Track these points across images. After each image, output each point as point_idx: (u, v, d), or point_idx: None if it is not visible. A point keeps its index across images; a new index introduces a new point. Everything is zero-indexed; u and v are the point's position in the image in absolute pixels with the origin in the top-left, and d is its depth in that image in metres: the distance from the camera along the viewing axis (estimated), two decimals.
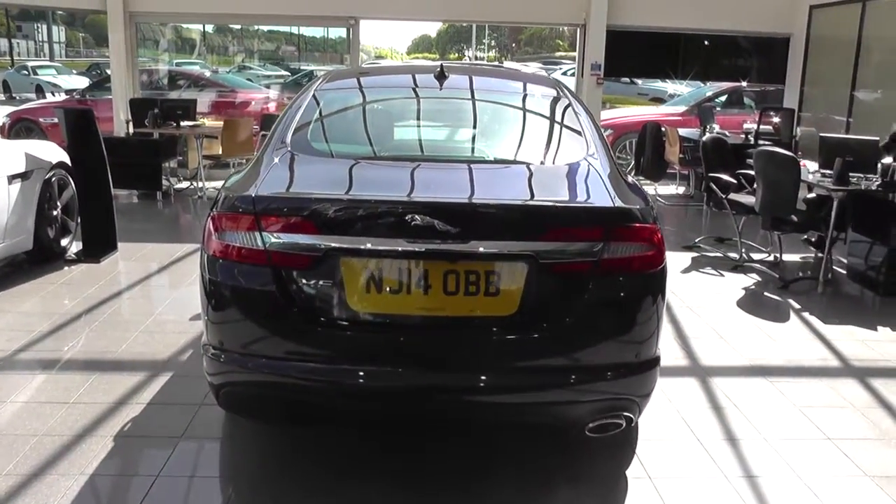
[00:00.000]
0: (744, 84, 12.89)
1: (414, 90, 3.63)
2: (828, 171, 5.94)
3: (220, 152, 8.58)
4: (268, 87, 13.24)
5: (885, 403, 3.83)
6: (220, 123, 8.70)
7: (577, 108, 3.49)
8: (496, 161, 3.12)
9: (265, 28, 14.10)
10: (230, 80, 12.22)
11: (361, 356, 2.55)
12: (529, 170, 3.00)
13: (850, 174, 5.72)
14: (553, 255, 2.52)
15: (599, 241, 2.55)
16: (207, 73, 12.29)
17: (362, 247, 2.48)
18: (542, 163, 3.07)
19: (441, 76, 3.59)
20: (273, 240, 2.50)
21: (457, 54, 49.23)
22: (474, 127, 3.47)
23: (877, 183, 5.65)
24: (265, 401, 2.71)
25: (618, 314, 2.62)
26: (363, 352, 2.56)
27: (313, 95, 3.44)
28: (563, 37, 47.31)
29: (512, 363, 2.57)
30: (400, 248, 2.47)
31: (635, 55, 10.94)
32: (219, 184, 9.05)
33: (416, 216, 2.44)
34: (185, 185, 9.16)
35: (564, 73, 26.37)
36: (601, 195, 2.77)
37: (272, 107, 10.97)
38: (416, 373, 2.55)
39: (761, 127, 9.43)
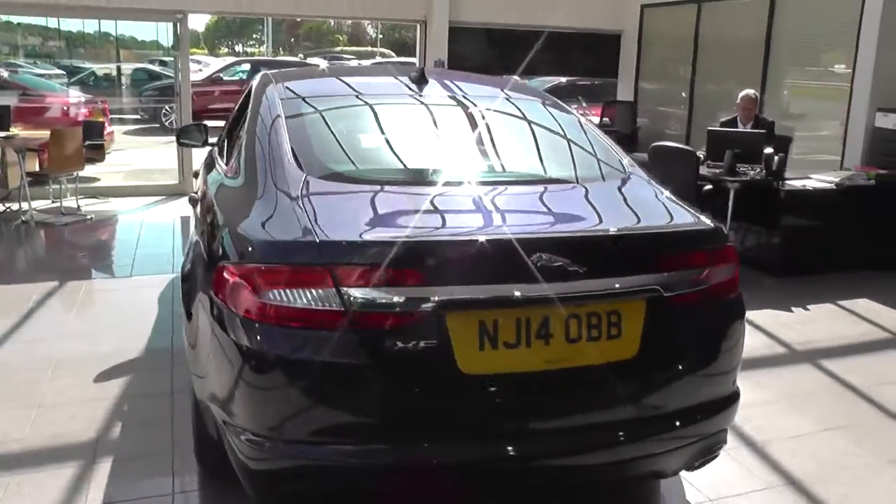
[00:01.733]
0: (563, 80, 13.47)
1: (410, 98, 3.11)
2: (714, 164, 6.24)
3: (43, 167, 7.27)
4: (67, 88, 11.57)
5: (849, 385, 4.02)
6: (41, 133, 7.37)
7: (580, 118, 3.24)
8: (557, 180, 2.76)
9: (25, 21, 12.28)
10: (31, 82, 10.45)
11: (473, 427, 2.11)
12: (599, 189, 2.71)
13: (738, 165, 6.05)
14: (672, 286, 2.25)
15: (706, 266, 2.34)
16: (4, 73, 10.39)
17: (475, 297, 2.04)
18: (603, 180, 2.78)
19: (421, 80, 3.19)
20: (356, 296, 1.98)
21: (227, 50, 46.96)
22: (495, 141, 3.03)
23: (762, 173, 6.02)
24: (334, 491, 2.16)
25: (722, 343, 2.41)
26: (476, 422, 2.12)
27: (285, 104, 2.88)
28: (343, 31, 46.91)
29: (639, 411, 2.27)
30: (520, 295, 2.06)
31: (473, 51, 10.98)
32: (40, 204, 7.78)
33: (543, 255, 2.06)
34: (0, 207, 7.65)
35: None
36: (684, 215, 2.55)
37: (86, 113, 9.55)
38: (546, 438, 2.17)
39: (595, 119, 9.83)
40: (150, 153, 12.25)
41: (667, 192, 2.72)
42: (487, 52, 11.12)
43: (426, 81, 3.21)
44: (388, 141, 2.93)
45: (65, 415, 3.41)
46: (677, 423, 2.32)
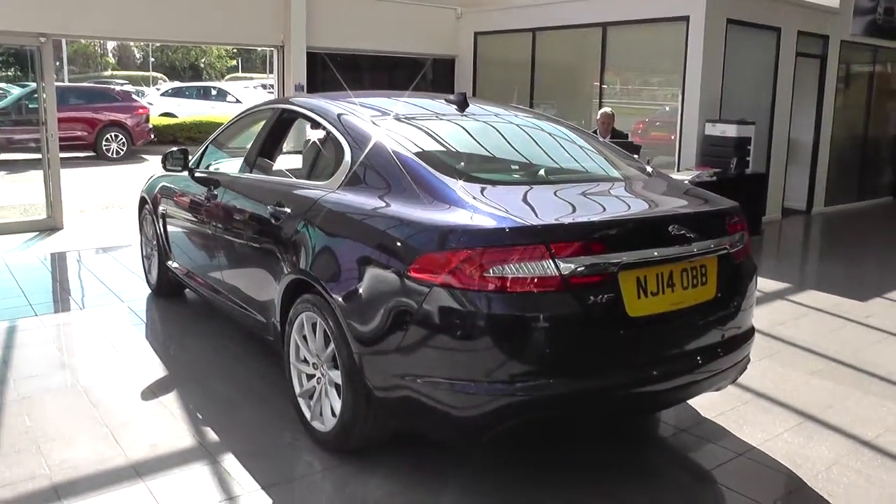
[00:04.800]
0: None
1: (472, 118, 3.77)
2: None
3: None
4: None
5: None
6: None
7: (587, 132, 4.09)
8: (618, 178, 3.53)
9: None
10: None
11: (636, 356, 2.84)
12: (655, 183, 3.53)
13: None
14: (731, 246, 3.15)
15: (741, 231, 3.26)
16: None
17: (635, 259, 2.77)
18: (648, 176, 3.61)
19: (464, 104, 3.83)
20: (565, 265, 2.62)
21: None
22: (557, 150, 3.79)
23: None
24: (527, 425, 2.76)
25: (752, 287, 3.32)
26: (636, 352, 2.84)
27: (378, 129, 3.38)
28: (108, 54, 44.22)
29: (719, 338, 3.08)
30: (659, 255, 2.83)
31: (330, 74, 11.43)
32: None
33: (674, 226, 2.87)
34: None
35: (164, 94, 25.15)
36: (714, 196, 3.43)
37: None
38: (673, 363, 2.93)
39: None
40: None
41: (687, 184, 3.63)
42: (338, 76, 11.59)
43: (468, 104, 3.86)
44: (486, 151, 3.59)
45: (145, 428, 3.50)
46: (736, 347, 3.19)
